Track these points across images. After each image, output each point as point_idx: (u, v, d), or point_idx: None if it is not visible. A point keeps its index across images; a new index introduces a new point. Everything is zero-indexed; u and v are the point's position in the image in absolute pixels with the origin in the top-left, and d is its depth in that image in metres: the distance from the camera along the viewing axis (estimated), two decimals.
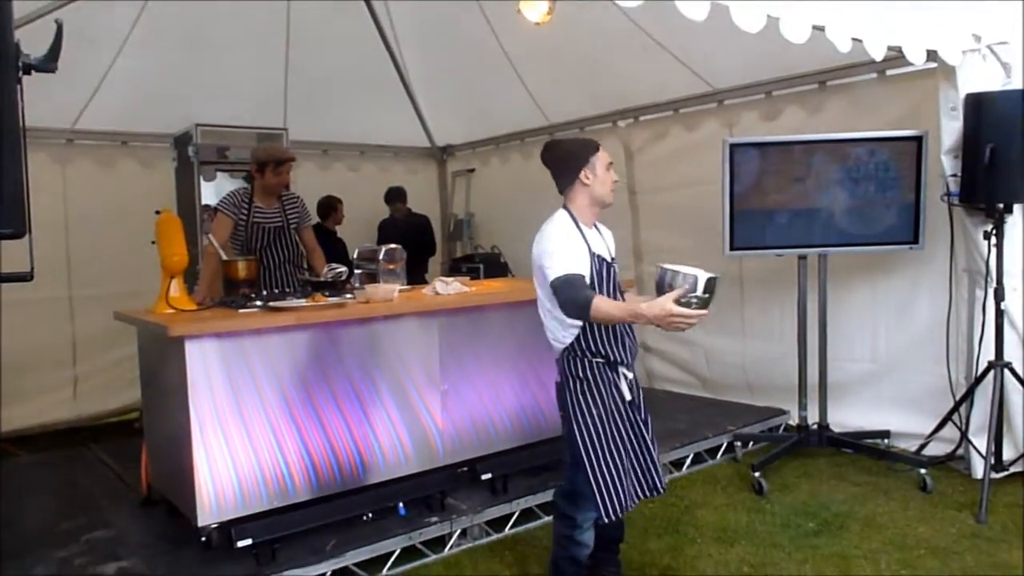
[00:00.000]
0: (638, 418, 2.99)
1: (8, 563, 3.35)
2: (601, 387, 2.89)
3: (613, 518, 2.85)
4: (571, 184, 2.97)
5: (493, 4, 5.85)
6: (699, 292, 2.61)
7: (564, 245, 2.84)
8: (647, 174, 6.32)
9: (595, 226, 3.04)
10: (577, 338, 2.89)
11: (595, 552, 3.07)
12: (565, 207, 2.98)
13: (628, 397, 2.95)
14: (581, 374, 2.90)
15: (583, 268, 2.83)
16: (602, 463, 2.85)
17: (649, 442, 3.00)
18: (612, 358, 2.90)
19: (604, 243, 3.04)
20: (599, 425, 2.87)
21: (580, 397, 2.89)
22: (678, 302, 2.58)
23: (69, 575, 3.25)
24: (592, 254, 2.89)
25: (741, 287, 5.71)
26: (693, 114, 5.95)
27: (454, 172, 8.64)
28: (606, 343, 2.88)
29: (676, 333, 2.85)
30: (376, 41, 6.70)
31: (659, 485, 3.01)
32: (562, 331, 2.92)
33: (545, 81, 6.62)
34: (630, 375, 2.98)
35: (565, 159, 2.99)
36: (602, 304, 2.72)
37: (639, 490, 2.97)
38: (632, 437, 2.96)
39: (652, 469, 3.00)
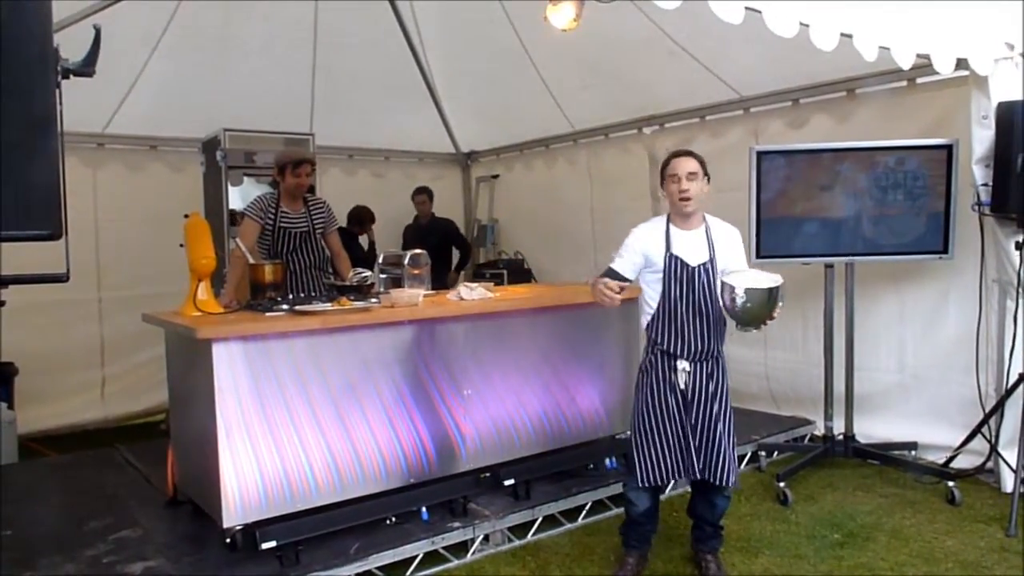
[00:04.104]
0: (690, 408, 3.21)
1: (38, 560, 3.39)
2: (657, 373, 3.25)
3: (644, 485, 3.25)
4: None
5: (519, 9, 5.86)
6: (739, 300, 2.95)
7: (629, 243, 3.30)
8: None
9: (707, 228, 3.27)
10: (647, 326, 3.32)
11: (693, 525, 3.50)
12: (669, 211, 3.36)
13: (681, 387, 3.22)
14: (644, 357, 3.34)
15: (638, 267, 3.27)
16: (642, 438, 3.26)
17: (694, 430, 3.21)
18: (668, 349, 3.24)
19: (702, 245, 3.24)
20: (646, 406, 3.26)
21: (641, 377, 3.33)
22: (727, 308, 3.04)
23: (97, 574, 3.29)
24: (670, 255, 3.21)
25: None
26: (719, 121, 5.93)
27: (478, 178, 8.66)
28: (667, 336, 3.24)
29: None
30: (402, 46, 6.74)
31: (698, 470, 3.22)
32: (641, 317, 3.37)
33: (570, 87, 6.62)
34: (688, 367, 3.21)
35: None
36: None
37: (678, 470, 3.24)
38: (678, 423, 3.22)
39: (695, 455, 3.21)
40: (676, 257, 3.20)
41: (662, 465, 3.23)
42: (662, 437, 3.23)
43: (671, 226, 3.27)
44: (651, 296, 3.28)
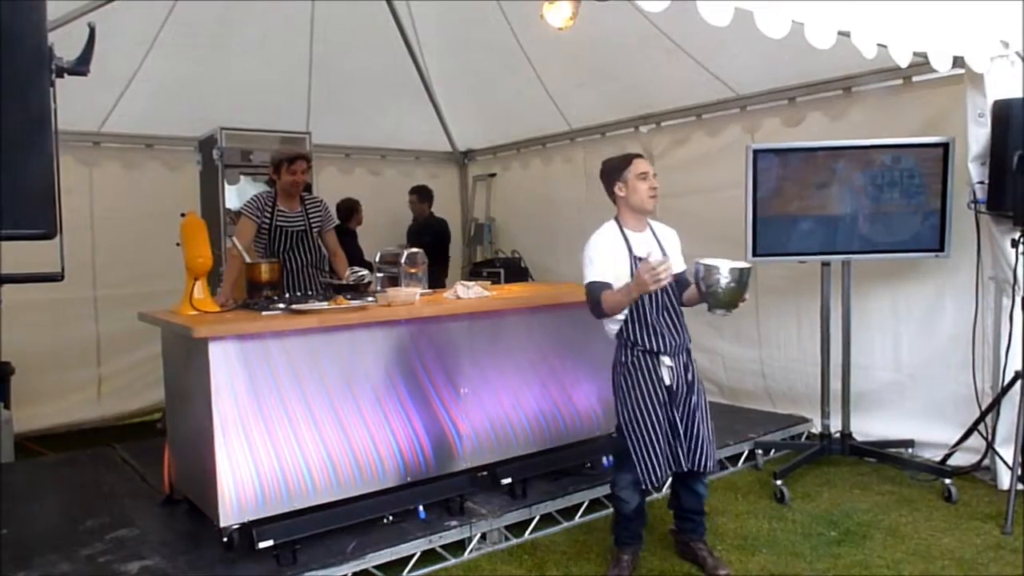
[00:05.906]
0: (676, 401, 3.29)
1: (35, 560, 3.39)
2: (641, 373, 3.29)
3: (650, 485, 3.27)
4: (613, 196, 3.41)
5: (515, 8, 5.86)
6: (723, 280, 3.02)
7: (597, 255, 3.31)
8: (669, 179, 6.19)
9: (651, 229, 3.43)
10: (620, 330, 3.34)
11: (678, 518, 3.57)
12: (615, 217, 3.42)
13: (667, 383, 3.29)
14: (624, 360, 3.34)
15: (613, 273, 3.27)
16: (641, 439, 3.26)
17: (680, 422, 3.28)
18: (650, 347, 3.28)
19: (654, 245, 3.36)
20: (638, 406, 3.28)
21: (623, 380, 3.33)
22: (705, 291, 3.08)
23: (94, 573, 3.28)
24: (633, 257, 3.29)
25: (756, 295, 5.65)
26: (715, 119, 5.93)
27: (475, 176, 8.66)
28: (646, 335, 3.29)
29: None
30: (399, 45, 6.73)
31: (684, 461, 3.27)
32: (609, 323, 3.39)
33: (567, 86, 6.61)
34: (670, 363, 3.29)
35: (605, 174, 3.43)
36: (607, 297, 3.23)
37: (670, 464, 3.28)
38: (667, 418, 3.28)
39: (681, 447, 3.28)
40: (640, 259, 3.25)
41: (660, 462, 3.26)
42: (657, 434, 3.26)
43: (625, 230, 3.37)
44: None
